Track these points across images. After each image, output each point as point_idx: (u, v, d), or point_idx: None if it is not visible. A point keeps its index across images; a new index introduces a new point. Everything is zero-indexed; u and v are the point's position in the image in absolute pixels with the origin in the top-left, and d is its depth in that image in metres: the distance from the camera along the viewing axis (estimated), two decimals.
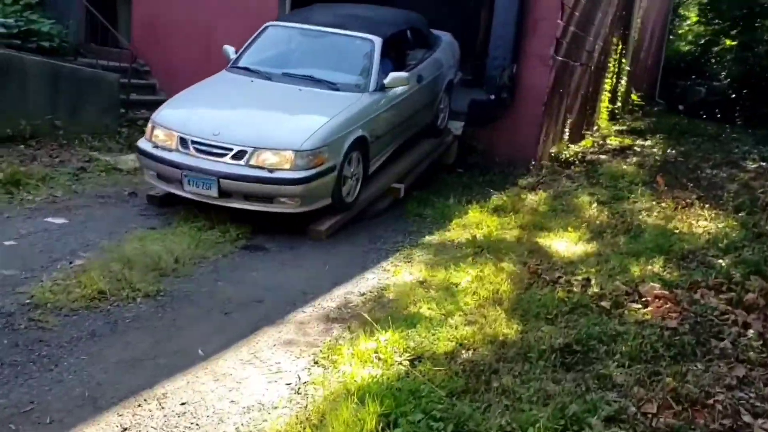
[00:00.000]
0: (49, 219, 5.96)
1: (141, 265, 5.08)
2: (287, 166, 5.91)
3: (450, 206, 7.57)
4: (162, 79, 10.44)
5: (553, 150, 9.91)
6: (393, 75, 7.03)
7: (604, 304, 5.09)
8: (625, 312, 4.95)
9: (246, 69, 7.15)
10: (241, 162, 5.92)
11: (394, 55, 7.74)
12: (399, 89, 7.24)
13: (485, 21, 10.34)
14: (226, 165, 5.93)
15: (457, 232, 6.79)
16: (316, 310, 4.84)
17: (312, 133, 6.06)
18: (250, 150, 5.92)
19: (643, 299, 5.21)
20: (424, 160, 8.50)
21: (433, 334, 4.48)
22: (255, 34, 7.58)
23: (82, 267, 4.98)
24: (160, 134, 6.26)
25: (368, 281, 5.47)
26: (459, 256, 6.07)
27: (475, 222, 7.07)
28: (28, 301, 4.41)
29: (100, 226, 5.94)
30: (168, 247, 5.42)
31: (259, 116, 6.49)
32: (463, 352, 4.30)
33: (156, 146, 6.24)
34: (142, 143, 6.41)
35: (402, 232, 6.77)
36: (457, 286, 5.34)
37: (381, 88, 6.98)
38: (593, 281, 5.50)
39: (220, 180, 5.87)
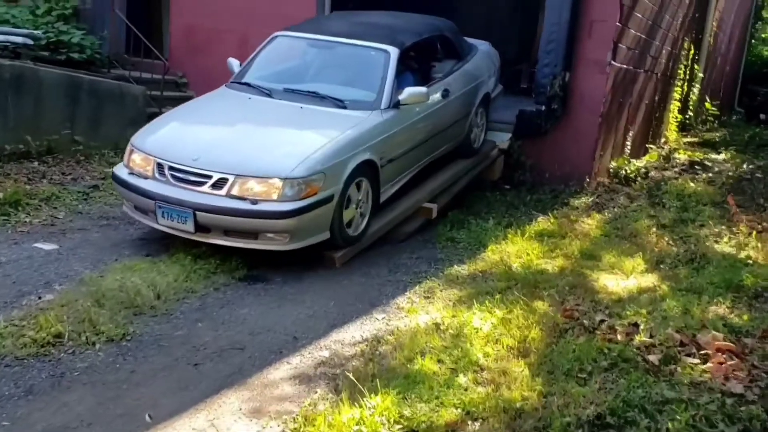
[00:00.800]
0: (38, 245, 5.48)
1: (115, 301, 4.50)
2: (274, 197, 5.11)
3: (488, 229, 6.76)
4: (199, 90, 9.96)
5: (612, 165, 8.96)
6: (409, 90, 6.13)
7: (652, 358, 4.20)
8: (678, 369, 4.05)
9: (246, 84, 6.40)
10: (221, 192, 5.14)
11: (417, 68, 6.99)
12: (418, 106, 6.37)
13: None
14: (203, 195, 5.16)
15: (491, 261, 5.99)
16: (304, 362, 4.14)
17: (304, 158, 5.25)
18: (231, 178, 5.14)
19: (702, 352, 4.30)
20: (463, 177, 7.70)
21: (437, 398, 3.71)
22: (262, 45, 6.84)
23: (49, 303, 4.44)
24: (137, 159, 5.55)
25: (375, 323, 4.74)
26: (487, 292, 5.27)
27: (513, 249, 6.25)
28: None
29: (90, 254, 5.42)
30: (152, 280, 4.83)
31: (248, 139, 5.65)
32: (470, 423, 3.53)
33: (132, 173, 5.55)
34: (118, 169, 5.71)
35: (428, 260, 6.01)
36: (477, 332, 4.55)
37: (395, 105, 6.11)
38: (642, 327, 4.61)
39: (197, 213, 5.11)
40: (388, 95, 6.10)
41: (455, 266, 5.85)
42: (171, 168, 5.32)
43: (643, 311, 4.88)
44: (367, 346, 4.37)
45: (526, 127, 8.45)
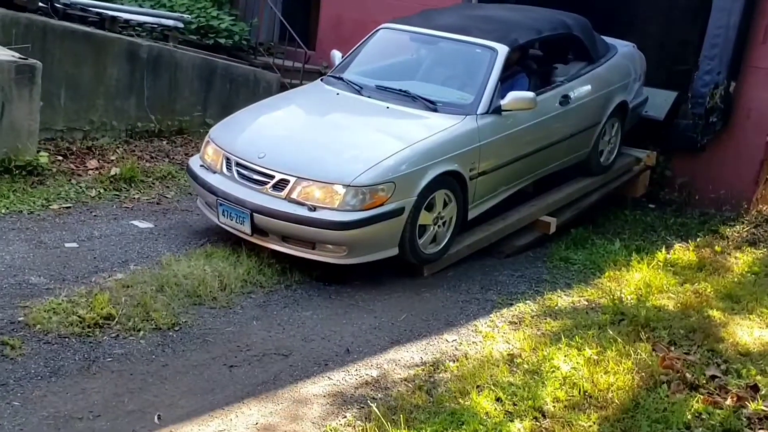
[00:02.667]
0: (135, 222, 5.55)
1: (178, 288, 4.39)
2: (334, 204, 4.66)
3: (610, 253, 6.02)
4: None
5: None
6: (514, 95, 5.42)
7: None
8: None
9: (339, 79, 5.96)
10: (281, 194, 4.76)
11: (536, 69, 6.27)
12: (525, 113, 5.60)
13: None
14: (263, 196, 4.81)
15: (603, 289, 5.29)
16: (347, 379, 3.78)
17: (374, 164, 4.76)
18: (292, 180, 4.75)
19: None
20: (594, 192, 6.95)
21: None
22: (366, 37, 6.39)
23: (115, 282, 4.41)
24: (209, 151, 5.29)
25: (442, 344, 4.27)
26: (585, 325, 4.62)
27: (635, 278, 5.49)
28: (21, 318, 3.89)
29: (181, 236, 5.40)
30: (222, 270, 4.68)
31: (319, 138, 5.21)
32: None
33: (202, 165, 5.30)
34: (193, 161, 5.48)
35: (529, 280, 5.42)
36: (554, 372, 3.95)
37: (496, 110, 5.42)
38: (762, 392, 3.80)
39: (254, 214, 4.77)
40: (487, 99, 5.43)
41: (558, 290, 5.22)
42: (238, 164, 5.04)
43: None
44: (423, 370, 3.93)
45: (678, 140, 7.52)
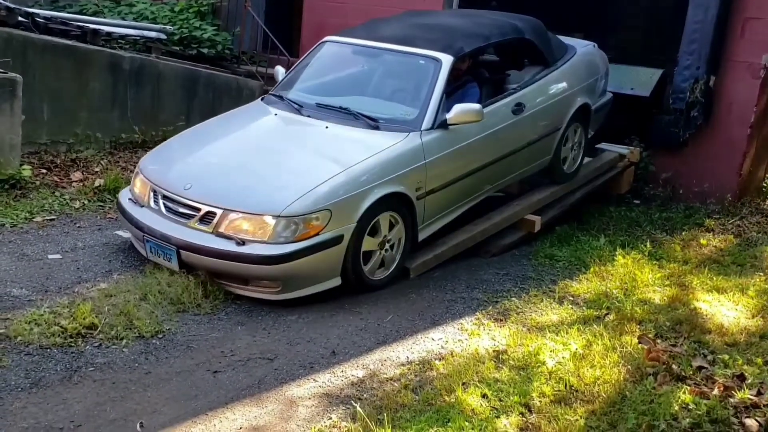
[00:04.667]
0: (119, 232, 5.52)
1: (162, 297, 4.37)
2: (264, 237, 4.35)
3: (595, 248, 6.02)
4: None
5: (766, 184, 7.79)
6: (459, 108, 5.10)
7: (750, 423, 3.42)
8: None
9: (280, 97, 5.66)
10: (209, 228, 4.45)
11: (486, 78, 5.95)
12: (474, 125, 5.29)
13: None
14: (189, 231, 4.47)
15: (589, 284, 5.29)
16: (333, 380, 3.76)
17: (305, 191, 4.46)
18: (219, 212, 4.42)
19: None
20: (578, 190, 6.96)
21: None
22: (310, 51, 6.12)
23: (98, 292, 4.38)
24: (138, 183, 4.98)
25: (428, 343, 4.26)
26: (572, 320, 4.63)
27: (620, 273, 5.49)
28: (1, 330, 3.86)
29: None
30: (206, 277, 4.65)
31: (251, 165, 4.89)
32: None
33: (131, 199, 4.98)
34: (122, 193, 5.15)
35: (515, 278, 5.42)
36: (540, 367, 3.95)
37: (442, 124, 5.15)
38: (749, 380, 3.80)
39: (180, 251, 4.45)
40: (432, 113, 5.13)
41: (544, 287, 5.22)
42: (164, 196, 4.71)
43: (759, 360, 4.05)
44: (409, 369, 3.92)
45: (661, 136, 7.54)
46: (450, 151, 5.23)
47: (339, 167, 4.68)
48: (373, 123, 5.14)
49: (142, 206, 4.85)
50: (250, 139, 5.39)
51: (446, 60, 5.35)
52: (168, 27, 9.18)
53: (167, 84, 7.81)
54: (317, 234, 4.44)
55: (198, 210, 4.53)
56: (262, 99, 5.92)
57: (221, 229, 4.43)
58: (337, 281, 4.65)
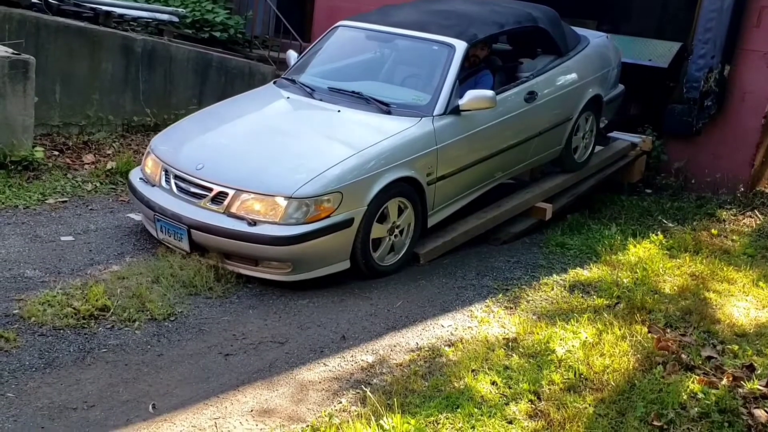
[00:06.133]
0: (131, 215, 5.55)
1: (174, 279, 4.40)
2: (275, 218, 4.36)
3: (606, 237, 6.01)
4: None
5: None
6: (471, 94, 5.11)
7: (760, 414, 3.43)
8: None
9: (293, 81, 5.65)
10: (220, 208, 4.46)
11: (500, 65, 5.98)
12: (487, 112, 5.29)
13: None
14: (201, 211, 4.49)
15: (600, 272, 5.29)
16: (343, 365, 3.79)
17: (318, 173, 4.47)
18: (231, 192, 4.44)
19: None
20: (590, 178, 6.94)
21: (472, 428, 3.22)
22: (323, 35, 6.11)
23: (111, 274, 4.41)
24: (149, 163, 4.98)
25: (438, 330, 4.28)
26: (582, 309, 4.63)
27: (631, 261, 5.49)
28: (16, 311, 3.90)
29: None
30: (219, 261, 4.67)
31: (263, 147, 4.90)
32: None
33: (142, 178, 4.99)
34: (133, 173, 5.16)
35: (525, 266, 5.42)
36: (550, 355, 3.96)
37: (455, 110, 5.14)
38: (758, 371, 3.80)
39: (191, 231, 4.47)
40: (444, 99, 5.12)
41: (554, 275, 5.22)
42: (176, 176, 4.72)
43: None
44: (419, 355, 3.93)
45: (674, 125, 7.52)
46: (462, 137, 5.22)
47: (350, 150, 4.68)
48: (385, 108, 5.13)
49: (154, 186, 4.86)
50: (261, 122, 5.39)
51: (460, 46, 5.34)
52: (180, 10, 9.16)
53: (179, 67, 7.81)
54: (328, 216, 4.45)
55: (210, 190, 4.54)
56: (274, 82, 5.90)
57: (233, 210, 4.44)
58: (346, 264, 4.66)
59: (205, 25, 9.43)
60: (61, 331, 3.77)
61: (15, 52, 5.90)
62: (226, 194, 4.48)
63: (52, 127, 6.86)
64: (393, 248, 4.96)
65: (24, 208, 5.34)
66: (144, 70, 7.53)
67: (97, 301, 4.01)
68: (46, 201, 5.53)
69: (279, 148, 4.90)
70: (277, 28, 10.37)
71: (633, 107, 8.95)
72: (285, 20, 9.47)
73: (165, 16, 8.88)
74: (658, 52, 7.70)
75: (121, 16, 8.09)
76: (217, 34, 9.42)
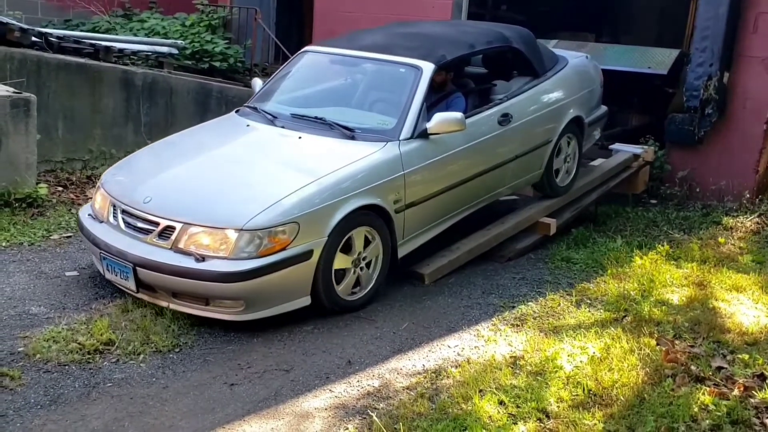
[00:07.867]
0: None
1: (178, 311, 4.38)
2: (226, 253, 4.08)
3: (612, 250, 5.99)
4: None
5: None
6: (440, 116, 4.89)
7: None
8: None
9: (254, 109, 5.45)
10: (167, 244, 4.20)
11: (472, 88, 5.87)
12: (457, 136, 5.08)
13: None
14: (147, 247, 4.24)
15: (606, 286, 5.26)
16: (349, 390, 3.76)
17: (271, 203, 4.19)
18: (178, 226, 4.17)
19: None
20: (593, 191, 6.93)
21: None
22: (289, 61, 5.97)
23: (115, 308, 4.41)
24: (98, 199, 4.76)
25: (444, 351, 4.25)
26: (589, 323, 4.60)
27: (638, 274, 5.45)
28: (21, 348, 3.90)
29: None
30: None
31: (216, 177, 4.65)
32: None
33: (90, 215, 4.77)
34: (83, 210, 4.93)
35: (531, 282, 5.39)
36: (558, 372, 3.92)
37: (422, 134, 4.94)
38: None
39: (137, 269, 4.21)
40: (411, 123, 4.90)
41: (561, 290, 5.19)
42: (124, 211, 4.47)
43: None
44: (425, 377, 3.91)
45: (676, 134, 7.52)
46: (431, 162, 5.00)
47: (309, 178, 4.43)
48: (348, 133, 4.91)
49: (102, 222, 4.63)
50: (218, 151, 5.13)
51: (427, 68, 5.15)
52: (179, 41, 9.28)
53: (180, 98, 7.88)
54: (283, 249, 4.16)
55: (157, 224, 4.28)
56: (236, 111, 5.67)
57: (180, 245, 4.17)
58: (306, 300, 4.37)
59: (204, 55, 9.54)
60: (66, 367, 3.76)
61: (16, 90, 5.97)
62: (174, 228, 4.21)
63: (56, 163, 6.92)
64: (359, 282, 4.70)
65: (29, 245, 5.36)
66: (145, 102, 7.60)
67: (101, 335, 4.01)
68: (51, 237, 5.55)
69: (232, 179, 4.63)
70: (276, 55, 10.50)
71: (635, 118, 8.99)
72: (284, 47, 9.57)
73: (164, 49, 9.00)
74: (657, 59, 7.73)
75: (121, 50, 8.19)
76: (217, 63, 9.54)
